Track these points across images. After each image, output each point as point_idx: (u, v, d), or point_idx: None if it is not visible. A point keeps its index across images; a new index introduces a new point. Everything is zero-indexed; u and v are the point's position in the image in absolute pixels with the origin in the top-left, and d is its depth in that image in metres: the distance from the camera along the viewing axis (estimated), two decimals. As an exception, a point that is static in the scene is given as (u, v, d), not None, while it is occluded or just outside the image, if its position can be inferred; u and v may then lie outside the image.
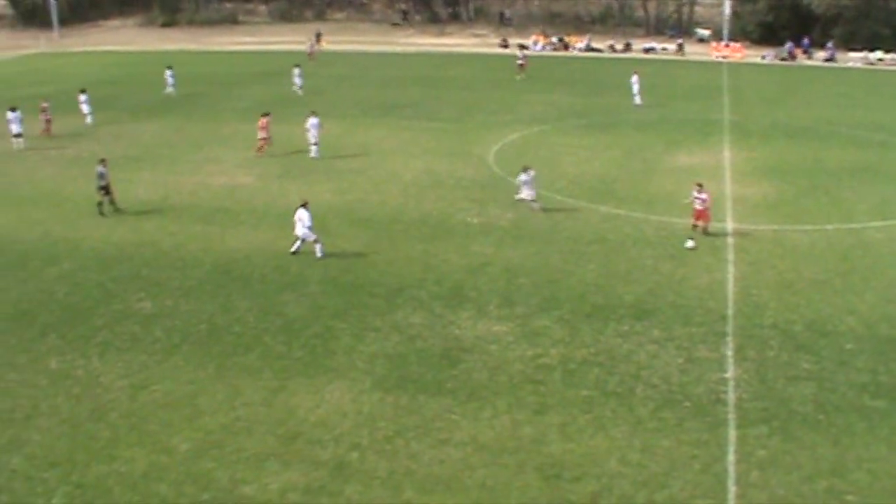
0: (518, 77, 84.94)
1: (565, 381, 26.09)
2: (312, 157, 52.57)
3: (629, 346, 28.31)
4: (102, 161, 43.75)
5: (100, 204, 43.05)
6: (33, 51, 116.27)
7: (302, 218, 36.25)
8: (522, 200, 42.09)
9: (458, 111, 67.93)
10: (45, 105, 61.33)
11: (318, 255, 36.20)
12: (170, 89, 77.69)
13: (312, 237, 36.36)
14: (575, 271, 34.48)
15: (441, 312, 30.85)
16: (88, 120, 65.01)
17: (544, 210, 41.61)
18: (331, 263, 35.57)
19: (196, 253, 37.39)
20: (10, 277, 35.60)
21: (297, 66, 78.01)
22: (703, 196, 38.43)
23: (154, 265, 35.99)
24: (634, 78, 71.09)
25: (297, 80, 76.04)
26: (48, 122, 60.98)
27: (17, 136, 57.39)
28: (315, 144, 52.99)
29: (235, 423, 24.37)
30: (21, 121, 57.36)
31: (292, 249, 36.68)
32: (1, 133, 58.12)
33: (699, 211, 38.46)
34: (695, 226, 38.51)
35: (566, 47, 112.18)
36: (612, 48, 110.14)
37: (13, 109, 57.71)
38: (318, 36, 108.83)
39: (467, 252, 36.61)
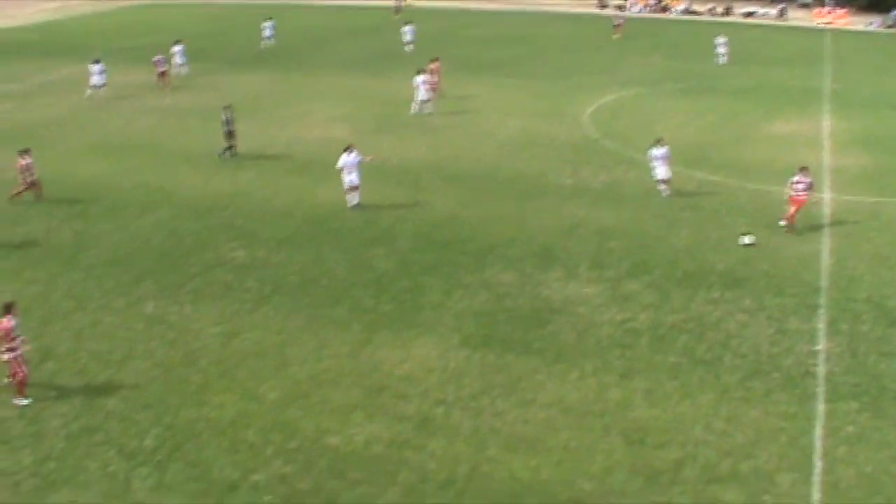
0: (615, 37, 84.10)
1: (653, 347, 25.97)
2: (417, 114, 52.44)
3: (719, 314, 28.04)
4: (227, 107, 44.49)
5: (226, 149, 44.00)
6: (133, 3, 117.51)
7: (348, 164, 36.70)
8: (661, 183, 38.50)
9: (555, 71, 67.42)
10: (158, 58, 61.91)
11: (354, 202, 36.98)
12: (267, 41, 78.13)
13: (355, 183, 36.88)
14: (667, 237, 34.19)
15: (531, 272, 30.84)
16: (184, 70, 65.74)
17: (669, 195, 38.64)
18: (423, 219, 35.71)
19: (289, 205, 37.79)
20: (107, 224, 36.35)
21: (407, 23, 77.47)
22: (807, 181, 34.73)
23: (248, 215, 36.45)
24: (721, 39, 70.30)
25: (409, 37, 75.32)
26: (163, 73, 61.64)
27: (98, 87, 58.50)
28: (421, 102, 52.81)
29: (323, 374, 24.72)
30: (104, 72, 58.35)
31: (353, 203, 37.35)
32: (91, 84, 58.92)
33: (797, 199, 34.73)
34: (789, 221, 34.82)
35: (665, 10, 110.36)
36: (711, 11, 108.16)
37: (97, 62, 58.94)
38: None
39: (559, 213, 36.48)
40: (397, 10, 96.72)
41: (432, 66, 55.95)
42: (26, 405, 23.51)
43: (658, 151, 38.31)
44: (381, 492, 20.03)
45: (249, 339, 26.79)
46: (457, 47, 76.22)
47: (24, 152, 38.28)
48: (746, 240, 33.35)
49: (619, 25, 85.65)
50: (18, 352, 23.45)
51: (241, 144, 45.54)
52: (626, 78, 65.38)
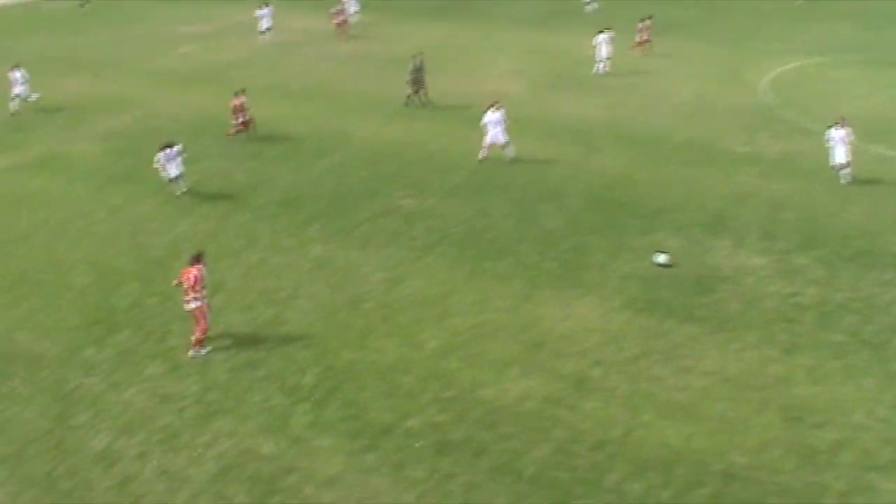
0: (797, 3, 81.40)
1: (819, 324, 25.24)
2: (596, 73, 51.87)
3: (889, 297, 26.99)
4: (416, 56, 45.29)
5: (408, 96, 44.52)
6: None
7: (492, 120, 36.70)
8: (841, 168, 35.39)
9: (734, 35, 65.49)
10: (335, 9, 62.73)
11: (511, 155, 37.25)
12: None
13: (503, 140, 36.95)
14: (840, 212, 33.06)
15: (699, 239, 30.32)
16: (354, 19, 66.45)
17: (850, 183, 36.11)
18: (593, 179, 35.45)
19: (459, 156, 37.98)
20: (282, 166, 37.23)
21: None
22: None
23: (419, 165, 36.77)
24: None
25: None
26: (341, 23, 62.48)
27: (264, 31, 60.64)
28: (602, 61, 52.17)
29: (482, 327, 24.85)
30: (272, 16, 59.89)
31: (480, 156, 37.53)
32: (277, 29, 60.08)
33: None
34: None
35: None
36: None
37: (266, 4, 60.64)
38: None
39: (731, 181, 35.69)
40: None
41: (642, 24, 55.55)
42: (204, 354, 24.01)
43: (838, 133, 35.06)
44: (532, 448, 20.08)
45: (413, 287, 27.12)
46: (634, 6, 74.89)
47: (239, 93, 39.61)
48: (661, 259, 28.71)
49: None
50: (204, 302, 23.90)
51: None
52: (808, 45, 63.14)
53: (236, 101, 39.83)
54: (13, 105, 45.99)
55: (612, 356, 23.45)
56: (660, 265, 28.13)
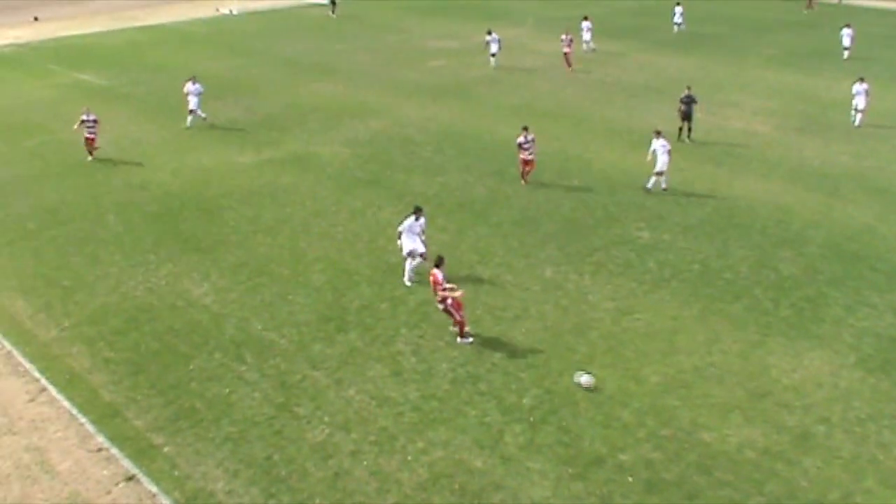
0: None
1: None
2: (853, 125, 49.37)
3: None
4: (687, 88, 44.67)
5: (680, 130, 44.33)
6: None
7: (659, 148, 36.50)
8: None
9: None
10: (566, 37, 61.39)
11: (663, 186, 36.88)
12: (676, 27, 76.42)
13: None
14: None
15: (944, 302, 28.97)
16: (589, 47, 65.94)
17: None
18: (836, 227, 34.29)
19: (701, 193, 37.41)
20: (521, 185, 37.56)
21: (846, 25, 71.56)
22: None
23: (658, 197, 36.43)
24: None
25: (847, 41, 69.50)
26: (569, 52, 61.11)
27: (494, 55, 60.52)
28: (860, 111, 48.42)
29: (708, 368, 24.45)
30: (499, 41, 60.34)
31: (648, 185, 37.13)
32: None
33: None
34: None
35: None
36: None
37: (490, 32, 60.64)
38: None
39: None
40: (809, 4, 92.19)
41: None
42: (470, 342, 25.49)
43: None
44: (746, 498, 19.64)
45: (641, 320, 26.93)
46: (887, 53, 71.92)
47: (524, 129, 37.71)
48: (583, 379, 23.78)
49: None
50: (449, 300, 25.18)
51: (661, 125, 45.57)
52: None
53: (520, 138, 37.47)
54: (190, 119, 47.13)
55: (840, 414, 22.65)
56: (579, 385, 23.70)
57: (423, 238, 29.42)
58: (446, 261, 26.05)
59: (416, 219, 29.10)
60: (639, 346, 25.48)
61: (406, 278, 29.03)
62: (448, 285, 25.23)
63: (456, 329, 25.66)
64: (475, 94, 53.17)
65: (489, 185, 37.82)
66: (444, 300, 25.12)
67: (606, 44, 68.78)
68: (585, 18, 66.79)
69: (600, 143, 43.10)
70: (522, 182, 37.84)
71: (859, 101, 47.70)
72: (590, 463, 20.65)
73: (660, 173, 36.75)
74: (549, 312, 27.26)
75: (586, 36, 66.03)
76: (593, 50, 65.68)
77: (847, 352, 25.50)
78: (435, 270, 25.21)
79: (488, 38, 60.49)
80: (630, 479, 20.18)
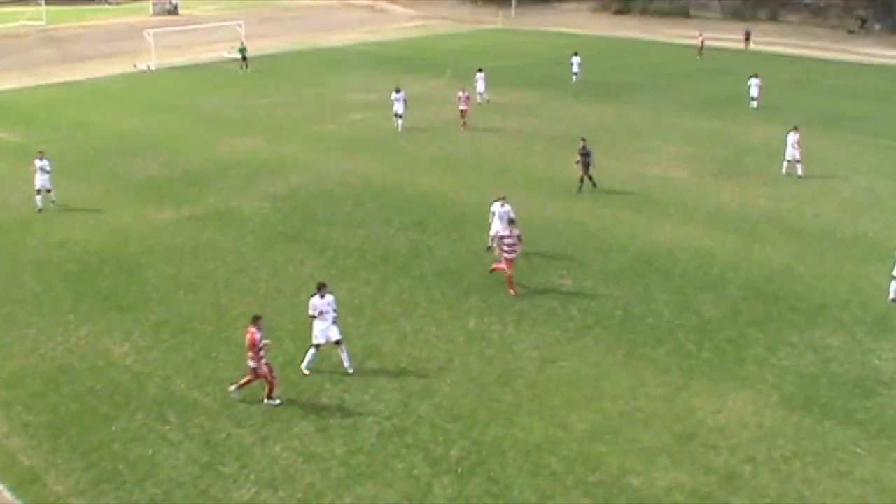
0: None
1: None
2: (794, 175, 48.35)
3: None
4: (582, 140, 44.97)
5: (581, 180, 44.45)
6: (489, 27, 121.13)
7: (501, 213, 34.06)
8: None
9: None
10: (462, 94, 58.93)
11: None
12: (574, 77, 76.85)
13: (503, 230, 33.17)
14: None
15: (862, 339, 29.40)
16: (483, 97, 65.94)
17: None
18: (755, 269, 34.81)
19: (622, 239, 37.81)
20: (444, 237, 37.78)
21: (753, 75, 72.58)
22: None
23: (579, 245, 36.72)
24: None
25: (755, 91, 69.85)
26: (463, 111, 58.54)
27: (398, 115, 57.50)
28: (795, 162, 48.48)
29: (634, 413, 24.57)
30: (404, 101, 57.20)
31: None
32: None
33: None
34: None
35: None
36: None
37: (398, 90, 57.44)
38: (748, 35, 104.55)
39: (901, 281, 34.61)
40: (700, 50, 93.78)
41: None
42: (277, 404, 24.93)
43: None
44: (677, 541, 19.72)
45: (566, 368, 27.00)
46: (806, 97, 73.59)
47: (511, 223, 33.33)
48: None
49: None
50: (263, 361, 24.52)
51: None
52: None
53: (504, 231, 33.19)
54: (39, 199, 42.50)
55: (765, 453, 22.87)
56: None
57: (335, 316, 26.53)
58: (264, 320, 25.05)
59: (322, 296, 26.20)
60: (564, 393, 25.52)
61: (304, 365, 26.82)
62: (265, 342, 24.46)
63: (243, 386, 25.15)
64: (394, 147, 53.32)
65: (411, 237, 37.84)
66: (258, 360, 24.34)
67: (524, 94, 69.85)
68: (480, 70, 66.99)
69: (521, 193, 43.31)
70: (511, 292, 32.34)
71: (795, 151, 47.92)
72: (519, 512, 20.61)
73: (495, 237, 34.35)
74: (473, 363, 27.24)
75: (480, 87, 65.89)
76: (487, 101, 65.48)
77: (770, 391, 25.81)
78: (252, 328, 24.31)
79: (395, 95, 57.58)
80: (560, 526, 20.16)
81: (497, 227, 34.22)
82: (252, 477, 21.86)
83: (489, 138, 55.68)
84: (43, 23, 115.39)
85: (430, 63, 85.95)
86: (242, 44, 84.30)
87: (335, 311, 26.47)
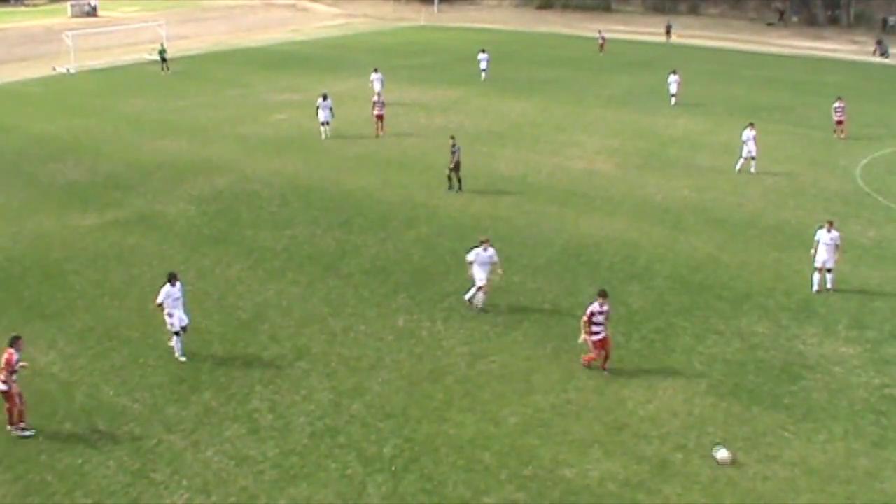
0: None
1: (911, 417, 24.67)
2: (748, 171, 48.12)
3: None
4: (451, 138, 44.94)
5: (449, 179, 44.44)
6: (412, 24, 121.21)
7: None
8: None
9: (827, 119, 63.99)
10: (377, 99, 57.80)
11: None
12: (483, 73, 76.55)
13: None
14: (938, 303, 32.38)
15: (787, 325, 29.89)
16: (381, 99, 63.52)
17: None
18: (681, 260, 35.22)
19: (548, 233, 38.01)
20: (371, 235, 37.61)
21: (672, 72, 72.52)
22: None
23: (507, 240, 36.77)
24: None
25: (674, 88, 67.36)
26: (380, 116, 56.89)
27: (325, 123, 55.72)
28: (751, 159, 48.18)
29: (565, 406, 24.72)
30: (331, 109, 55.68)
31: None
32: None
33: None
34: None
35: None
36: None
37: (325, 97, 56.03)
38: (669, 29, 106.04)
39: (822, 267, 35.17)
40: (601, 46, 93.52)
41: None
42: (27, 436, 23.67)
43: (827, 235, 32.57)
44: (611, 531, 19.86)
45: (496, 363, 27.09)
46: (727, 88, 74.58)
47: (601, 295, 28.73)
48: (719, 455, 22.60)
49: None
50: (14, 385, 23.34)
51: (506, 168, 46.31)
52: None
53: (594, 306, 27.41)
54: None
55: (695, 441, 23.14)
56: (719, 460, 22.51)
57: (184, 303, 27.54)
58: (23, 340, 24.00)
59: (172, 284, 27.17)
60: (495, 388, 25.60)
61: (178, 354, 27.38)
62: (21, 364, 23.51)
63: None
64: (319, 147, 53.10)
65: (337, 236, 37.70)
66: (10, 382, 23.21)
67: (447, 91, 69.85)
68: (375, 70, 64.51)
69: (445, 190, 43.41)
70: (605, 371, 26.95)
71: (751, 147, 48.07)
72: (454, 508, 20.63)
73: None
74: (404, 360, 27.21)
75: (377, 87, 61.60)
76: (383, 103, 58.29)
77: (698, 379, 26.12)
78: (10, 350, 23.30)
79: (321, 102, 55.67)
80: (495, 521, 20.21)
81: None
82: (184, 483, 21.63)
83: (413, 136, 55.64)
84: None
85: (352, 62, 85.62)
86: (162, 45, 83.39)
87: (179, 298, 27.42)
